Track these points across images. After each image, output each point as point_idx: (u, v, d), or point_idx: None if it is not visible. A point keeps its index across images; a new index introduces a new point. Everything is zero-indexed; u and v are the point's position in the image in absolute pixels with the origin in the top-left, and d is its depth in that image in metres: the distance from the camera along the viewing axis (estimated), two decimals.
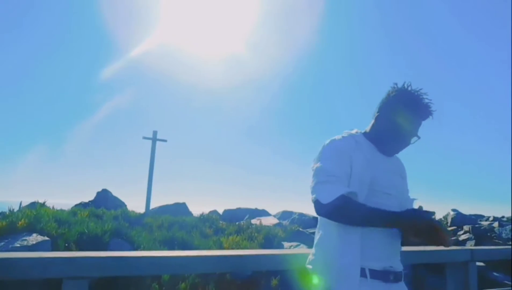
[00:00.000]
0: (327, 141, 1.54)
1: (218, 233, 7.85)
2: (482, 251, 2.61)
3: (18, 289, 4.03)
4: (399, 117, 1.51)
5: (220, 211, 13.08)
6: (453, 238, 9.99)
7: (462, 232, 10.33)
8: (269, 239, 7.40)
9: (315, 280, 1.47)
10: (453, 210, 12.26)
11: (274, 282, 5.29)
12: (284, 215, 11.90)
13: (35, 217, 5.81)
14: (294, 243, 6.98)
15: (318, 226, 1.59)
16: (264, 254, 1.77)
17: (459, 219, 11.46)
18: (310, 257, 1.56)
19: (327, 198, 1.38)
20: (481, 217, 13.18)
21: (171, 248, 6.17)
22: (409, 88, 1.55)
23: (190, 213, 11.24)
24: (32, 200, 9.20)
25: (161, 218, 8.30)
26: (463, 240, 9.81)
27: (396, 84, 1.59)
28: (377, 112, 1.60)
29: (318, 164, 1.47)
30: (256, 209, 13.09)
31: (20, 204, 8.74)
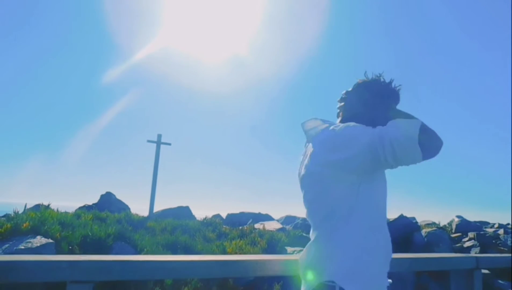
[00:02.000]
0: (341, 126, 1.36)
1: (221, 237, 7.85)
2: (488, 258, 2.59)
3: None
4: (382, 110, 1.44)
5: (223, 215, 13.07)
6: (457, 245, 9.92)
7: (467, 239, 10.25)
8: (272, 244, 7.38)
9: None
10: (458, 216, 12.17)
11: (276, 287, 5.27)
12: (288, 220, 11.87)
13: (39, 220, 5.85)
14: (298, 248, 6.95)
15: (333, 222, 1.34)
16: (267, 259, 1.76)
17: (464, 226, 11.37)
18: (322, 260, 1.33)
19: (414, 128, 1.24)
20: (486, 224, 13.07)
21: (174, 252, 6.17)
22: (381, 79, 1.48)
23: (193, 217, 11.23)
24: (37, 203, 9.26)
25: (164, 222, 8.30)
26: (468, 247, 9.72)
27: (368, 76, 1.50)
28: (352, 108, 1.48)
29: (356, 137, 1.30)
30: (259, 214, 13.06)
31: (25, 206, 8.79)
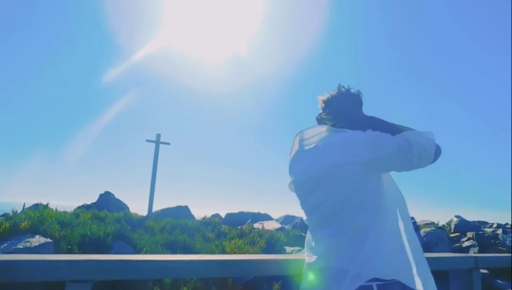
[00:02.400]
0: (368, 131, 1.46)
1: (220, 237, 7.85)
2: (487, 258, 2.58)
3: None
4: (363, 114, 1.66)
5: (222, 214, 13.08)
6: (456, 245, 9.94)
7: (465, 239, 10.27)
8: (272, 243, 7.39)
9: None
10: (457, 216, 12.20)
11: (276, 287, 5.27)
12: (287, 219, 11.89)
13: (38, 219, 5.84)
14: (297, 248, 6.95)
15: (361, 221, 1.35)
16: (266, 259, 1.75)
17: (463, 226, 11.40)
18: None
19: (432, 138, 1.46)
20: (484, 223, 13.11)
21: (173, 251, 6.17)
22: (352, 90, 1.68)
23: (192, 217, 11.23)
24: (35, 202, 9.26)
25: (164, 221, 8.30)
26: (467, 247, 9.74)
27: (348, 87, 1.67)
28: (343, 114, 1.61)
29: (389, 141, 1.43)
30: (258, 213, 13.08)
31: (24, 205, 8.79)
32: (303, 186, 1.52)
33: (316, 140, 1.52)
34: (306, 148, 1.55)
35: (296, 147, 1.59)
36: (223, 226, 9.17)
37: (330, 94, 1.65)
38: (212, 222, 9.21)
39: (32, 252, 4.74)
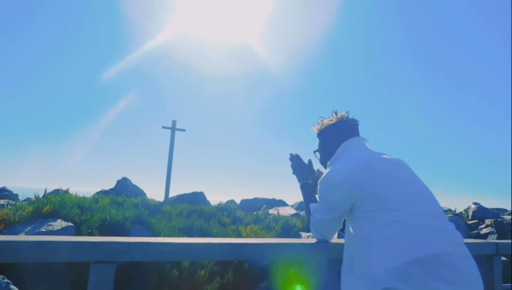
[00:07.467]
0: None
1: (236, 222, 7.93)
2: (508, 245, 2.54)
3: (46, 272, 4.17)
4: None
5: (238, 200, 13.18)
6: (474, 232, 9.81)
7: (483, 225, 10.12)
8: (287, 229, 7.43)
9: None
10: (475, 203, 12.00)
11: (292, 271, 5.32)
12: (302, 205, 11.91)
13: (59, 204, 6.00)
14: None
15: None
16: (283, 243, 1.76)
17: (481, 213, 11.22)
18: None
19: None
20: (503, 211, 12.86)
21: (190, 236, 6.27)
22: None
23: (207, 202, 11.35)
24: (56, 187, 9.50)
25: (180, 207, 8.42)
26: (485, 234, 9.61)
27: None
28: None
29: None
30: (273, 199, 13.13)
31: (45, 190, 9.03)
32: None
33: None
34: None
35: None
36: (239, 211, 9.25)
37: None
38: (227, 208, 9.29)
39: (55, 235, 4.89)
